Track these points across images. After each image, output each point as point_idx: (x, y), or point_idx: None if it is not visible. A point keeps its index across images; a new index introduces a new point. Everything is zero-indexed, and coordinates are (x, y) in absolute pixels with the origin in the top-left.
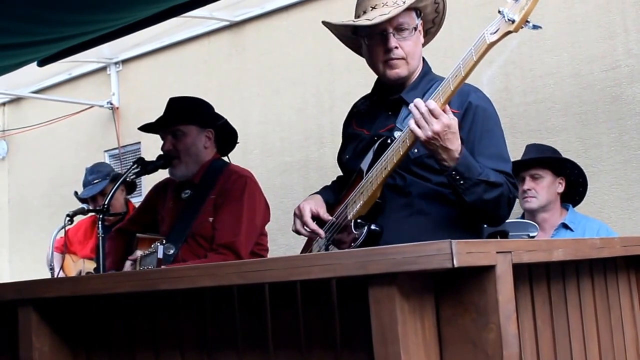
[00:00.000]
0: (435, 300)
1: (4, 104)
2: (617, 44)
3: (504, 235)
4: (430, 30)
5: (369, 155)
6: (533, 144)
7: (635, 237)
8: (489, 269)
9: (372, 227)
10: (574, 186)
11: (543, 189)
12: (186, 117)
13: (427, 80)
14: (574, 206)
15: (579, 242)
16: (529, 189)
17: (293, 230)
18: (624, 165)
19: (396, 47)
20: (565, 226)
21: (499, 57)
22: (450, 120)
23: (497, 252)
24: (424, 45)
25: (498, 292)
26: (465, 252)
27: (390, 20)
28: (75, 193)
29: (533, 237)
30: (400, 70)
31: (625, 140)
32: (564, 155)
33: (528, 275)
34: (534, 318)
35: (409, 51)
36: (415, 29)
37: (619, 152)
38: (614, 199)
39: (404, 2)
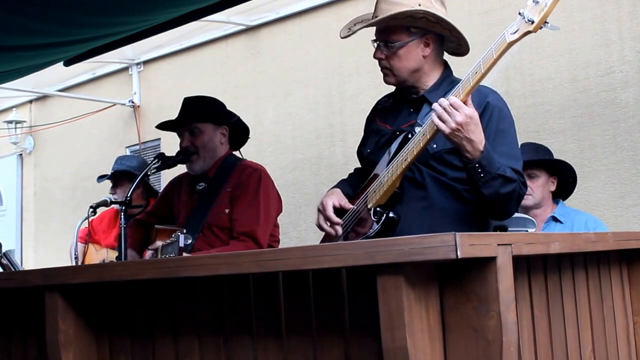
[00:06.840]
0: (439, 289)
1: (31, 101)
2: (612, 51)
3: (504, 230)
4: (458, 47)
5: (392, 148)
6: (529, 142)
7: (627, 232)
8: (490, 260)
9: (390, 214)
10: (564, 184)
11: (538, 187)
12: (202, 115)
13: (449, 81)
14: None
15: (575, 236)
16: None
17: (316, 225)
18: (617, 166)
19: (381, 59)
20: (555, 219)
21: (501, 62)
22: (472, 111)
23: (498, 245)
24: (459, 54)
25: (498, 282)
26: (468, 244)
27: (379, 33)
28: (100, 177)
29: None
30: (388, 78)
31: (619, 142)
32: (561, 155)
33: (526, 267)
34: (531, 307)
35: (393, 64)
36: (403, 46)
37: (613, 153)
38: (607, 196)
39: (394, 18)
